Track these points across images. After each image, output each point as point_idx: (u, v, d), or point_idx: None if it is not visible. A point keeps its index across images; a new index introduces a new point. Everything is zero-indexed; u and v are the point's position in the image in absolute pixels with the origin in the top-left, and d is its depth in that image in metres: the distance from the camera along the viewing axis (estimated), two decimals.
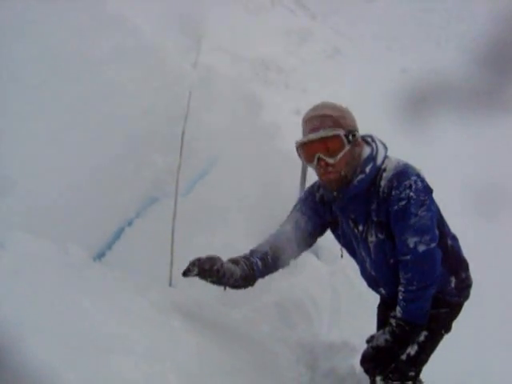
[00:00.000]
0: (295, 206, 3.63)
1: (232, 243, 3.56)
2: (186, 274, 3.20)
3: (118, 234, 4.85)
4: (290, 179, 6.22)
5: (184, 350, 2.96)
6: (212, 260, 3.21)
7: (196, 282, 3.71)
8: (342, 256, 3.59)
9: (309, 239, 3.61)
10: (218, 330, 3.75)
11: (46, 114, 3.61)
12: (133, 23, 4.11)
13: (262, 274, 3.51)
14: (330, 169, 3.15)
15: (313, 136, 3.13)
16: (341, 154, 3.12)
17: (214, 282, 3.27)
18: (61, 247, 3.29)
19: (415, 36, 16.21)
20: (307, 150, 3.19)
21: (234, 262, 3.37)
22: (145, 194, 5.05)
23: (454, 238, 3.46)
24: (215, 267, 3.18)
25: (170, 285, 4.71)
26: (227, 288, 3.34)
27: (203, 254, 3.48)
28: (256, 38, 13.29)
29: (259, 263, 3.44)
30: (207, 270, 3.17)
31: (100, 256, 4.53)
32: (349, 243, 3.49)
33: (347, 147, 3.13)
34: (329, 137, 3.11)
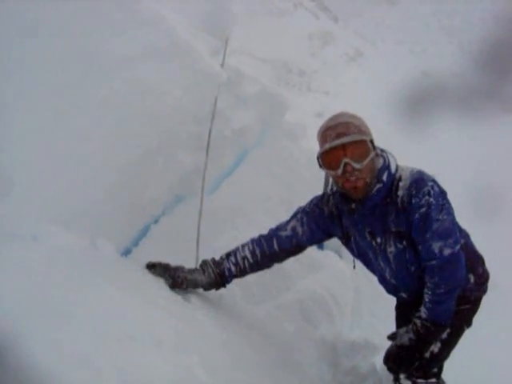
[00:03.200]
0: (296, 214, 3.60)
1: None
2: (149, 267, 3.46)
3: (144, 231, 4.90)
4: (314, 180, 6.26)
5: (210, 344, 3.02)
6: (173, 270, 3.48)
7: None
8: (354, 267, 3.61)
9: (300, 249, 3.65)
10: (242, 326, 3.80)
11: (76, 112, 3.67)
12: (167, 23, 4.15)
13: (237, 277, 3.61)
14: (357, 174, 3.08)
15: (340, 141, 3.06)
16: (367, 159, 3.07)
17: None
18: (90, 241, 3.35)
19: (438, 39, 16.16)
20: (333, 156, 3.09)
21: (203, 268, 3.56)
22: (171, 191, 5.09)
23: (467, 235, 3.46)
24: (179, 280, 3.44)
25: None
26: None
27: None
28: (279, 41, 13.35)
29: (232, 268, 3.55)
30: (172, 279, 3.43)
31: (126, 252, 4.58)
32: (364, 255, 3.49)
33: (372, 153, 3.11)
34: (356, 141, 3.06)
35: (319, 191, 4.77)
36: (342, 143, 3.05)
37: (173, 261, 4.29)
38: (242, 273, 3.59)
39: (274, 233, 3.58)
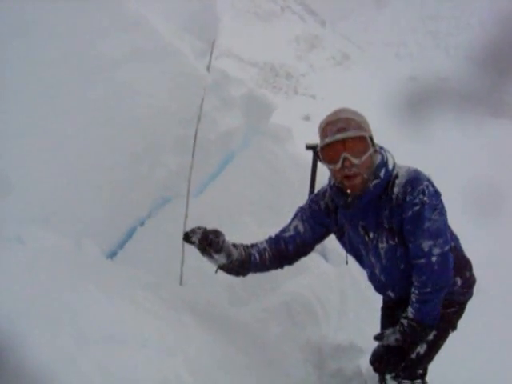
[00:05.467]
0: (296, 213, 3.64)
1: None
2: (187, 237, 3.23)
3: (130, 234, 4.89)
4: (300, 182, 6.26)
5: (195, 346, 3.02)
6: (217, 233, 3.24)
7: (206, 281, 3.76)
8: (347, 262, 3.61)
9: (307, 247, 3.64)
10: (228, 328, 3.80)
11: (63, 114, 3.67)
12: (152, 25, 4.16)
13: (256, 268, 3.54)
14: (355, 169, 3.13)
15: (340, 136, 3.11)
16: (366, 155, 3.13)
17: (209, 256, 3.25)
18: (75, 243, 3.34)
19: (424, 43, 16.26)
20: (333, 150, 3.14)
21: (234, 245, 3.40)
22: (157, 194, 5.08)
23: (456, 239, 3.49)
24: (217, 240, 3.20)
25: (181, 283, 4.76)
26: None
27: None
28: (266, 44, 13.38)
29: (257, 256, 3.48)
30: (209, 239, 3.18)
31: (112, 255, 4.57)
32: (356, 250, 3.52)
33: (371, 149, 3.16)
34: (356, 137, 3.12)
35: (305, 193, 4.79)
36: (342, 138, 3.11)
37: (158, 262, 4.27)
38: (262, 263, 3.52)
39: (280, 235, 3.59)
